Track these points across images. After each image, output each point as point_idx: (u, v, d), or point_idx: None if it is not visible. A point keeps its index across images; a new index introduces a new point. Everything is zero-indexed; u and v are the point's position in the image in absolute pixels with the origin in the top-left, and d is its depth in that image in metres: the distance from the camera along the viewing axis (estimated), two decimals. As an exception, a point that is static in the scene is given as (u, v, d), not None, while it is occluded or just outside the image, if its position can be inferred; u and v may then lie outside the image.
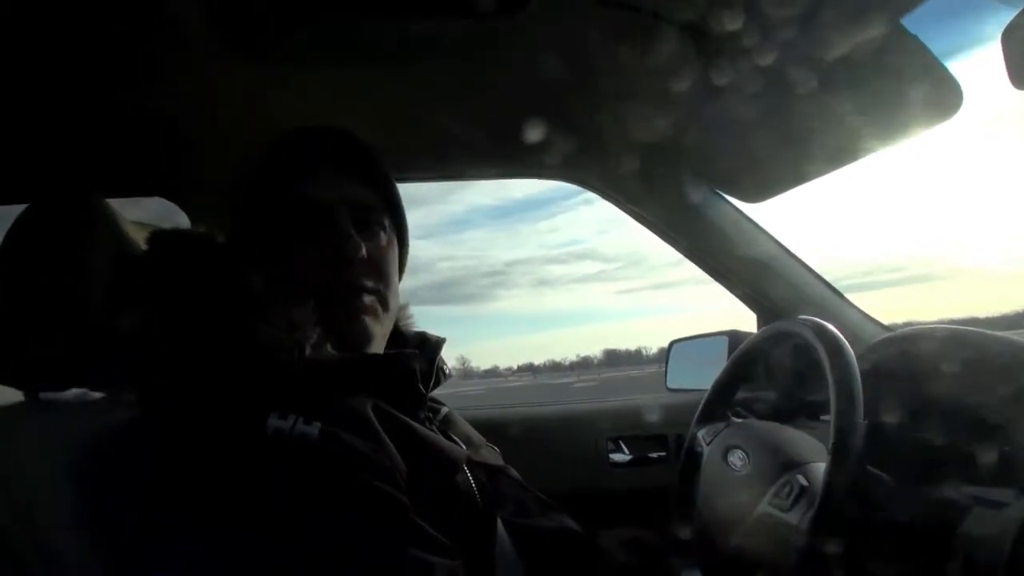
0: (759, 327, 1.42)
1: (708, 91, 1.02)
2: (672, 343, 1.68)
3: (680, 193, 1.30)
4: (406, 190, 0.92)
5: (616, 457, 1.37)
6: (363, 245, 0.71)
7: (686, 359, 1.60)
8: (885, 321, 1.32)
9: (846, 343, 0.76)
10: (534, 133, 1.18)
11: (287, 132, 0.77)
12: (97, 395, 0.79)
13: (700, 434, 1.02)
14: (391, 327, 0.80)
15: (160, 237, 0.72)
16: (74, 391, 0.76)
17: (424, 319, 0.93)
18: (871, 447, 0.70)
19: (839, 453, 0.66)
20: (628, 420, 1.40)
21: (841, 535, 0.65)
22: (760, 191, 1.28)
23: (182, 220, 1.22)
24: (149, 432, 0.64)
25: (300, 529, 0.52)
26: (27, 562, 0.61)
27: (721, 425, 1.00)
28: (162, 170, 1.17)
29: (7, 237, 0.73)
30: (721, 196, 1.33)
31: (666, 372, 1.61)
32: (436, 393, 0.81)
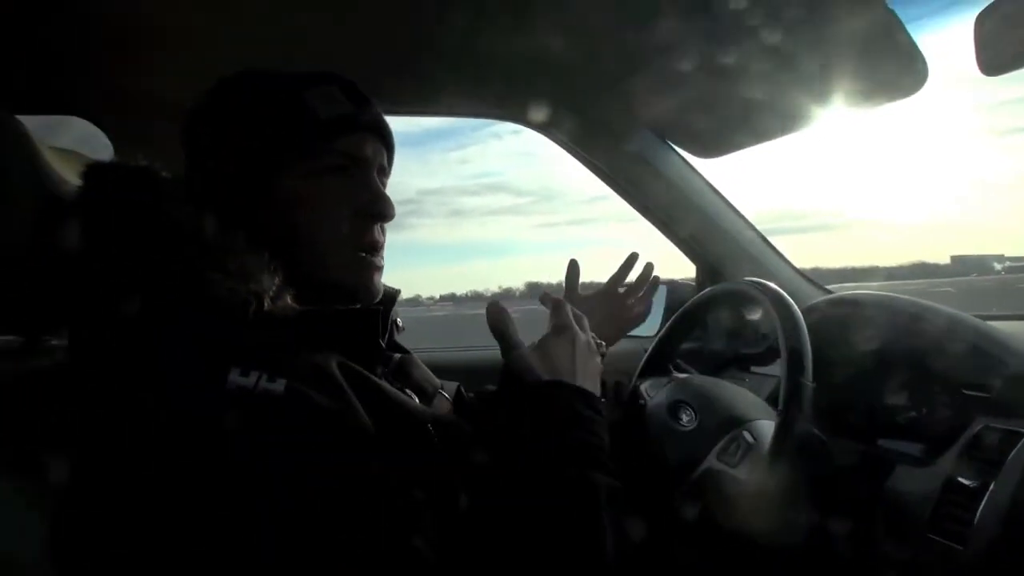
0: (698, 278, 1.47)
1: (668, 41, 0.99)
2: None
3: (632, 140, 1.30)
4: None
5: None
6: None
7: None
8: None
9: (798, 311, 0.79)
10: (480, 69, 1.12)
11: (296, 73, 0.69)
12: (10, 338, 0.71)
13: (643, 387, 1.05)
14: None
15: (100, 169, 0.63)
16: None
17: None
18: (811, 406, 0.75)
19: (788, 415, 0.71)
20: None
21: (787, 489, 0.71)
22: (712, 148, 1.29)
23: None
24: (82, 383, 0.57)
25: (266, 490, 0.49)
26: None
27: (664, 380, 1.03)
28: (79, 83, 1.02)
29: None
30: (672, 147, 1.33)
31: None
32: None
